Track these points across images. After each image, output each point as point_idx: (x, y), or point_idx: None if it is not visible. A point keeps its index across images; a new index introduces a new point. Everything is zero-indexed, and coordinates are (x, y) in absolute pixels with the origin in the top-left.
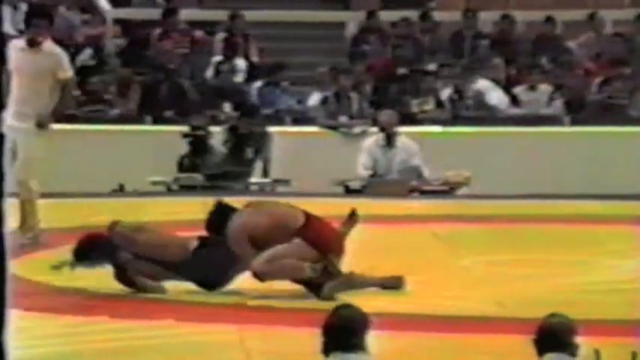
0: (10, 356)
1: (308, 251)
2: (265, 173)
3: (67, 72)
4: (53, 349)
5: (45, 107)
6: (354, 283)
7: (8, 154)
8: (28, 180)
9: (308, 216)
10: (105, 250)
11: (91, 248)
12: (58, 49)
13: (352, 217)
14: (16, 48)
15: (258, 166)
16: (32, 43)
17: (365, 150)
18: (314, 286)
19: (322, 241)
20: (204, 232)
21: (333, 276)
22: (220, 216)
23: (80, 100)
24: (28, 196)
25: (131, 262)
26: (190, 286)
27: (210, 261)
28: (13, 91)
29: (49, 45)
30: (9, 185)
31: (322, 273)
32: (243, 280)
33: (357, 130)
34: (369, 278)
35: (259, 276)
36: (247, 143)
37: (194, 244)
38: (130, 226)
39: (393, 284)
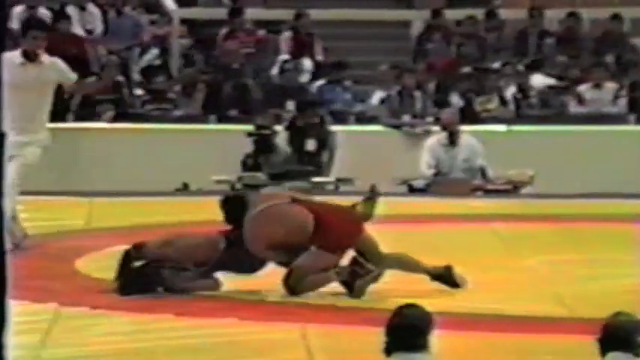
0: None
1: (327, 258)
2: (330, 165)
3: (72, 75)
4: (120, 347)
5: (46, 121)
6: (382, 274)
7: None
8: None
9: (316, 217)
10: (150, 279)
11: (135, 282)
12: (55, 59)
13: (372, 193)
14: (12, 63)
15: (325, 164)
16: (32, 57)
17: (427, 149)
18: (346, 285)
19: (336, 243)
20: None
21: (361, 271)
22: (236, 208)
23: (145, 100)
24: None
25: (172, 279)
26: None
27: (243, 254)
28: (13, 106)
29: (46, 57)
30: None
31: (350, 271)
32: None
33: (419, 129)
34: (408, 263)
35: (293, 293)
36: (307, 134)
37: (222, 241)
38: (155, 244)
39: (439, 273)
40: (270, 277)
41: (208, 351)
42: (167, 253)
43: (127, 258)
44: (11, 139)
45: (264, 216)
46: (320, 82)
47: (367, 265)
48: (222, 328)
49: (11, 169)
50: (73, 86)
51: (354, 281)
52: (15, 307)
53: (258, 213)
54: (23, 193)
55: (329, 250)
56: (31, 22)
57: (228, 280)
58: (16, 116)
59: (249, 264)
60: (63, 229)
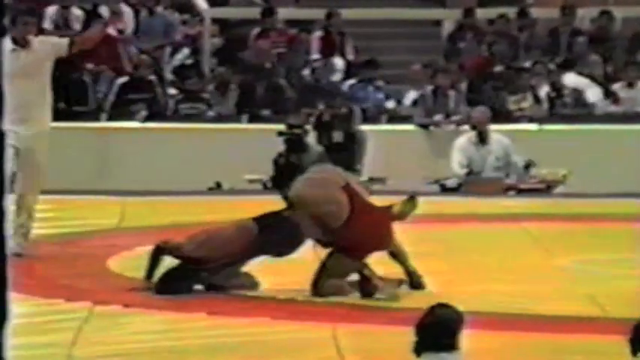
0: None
1: (347, 263)
2: (359, 159)
3: (63, 41)
4: (152, 345)
5: (48, 108)
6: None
7: (10, 158)
8: (39, 187)
9: (350, 213)
10: (187, 279)
11: (172, 282)
12: (41, 37)
13: (410, 202)
14: (2, 51)
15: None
16: (23, 43)
17: (458, 148)
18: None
19: (357, 249)
20: None
21: (368, 287)
22: (285, 173)
23: (177, 99)
24: (33, 202)
25: (214, 279)
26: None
27: (276, 234)
28: (11, 96)
29: (34, 40)
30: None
31: (359, 283)
32: None
33: (450, 127)
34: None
35: (317, 295)
36: (333, 127)
37: (254, 227)
38: (190, 246)
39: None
40: (301, 276)
41: (240, 350)
42: (204, 254)
43: (158, 252)
44: (14, 129)
45: (315, 182)
46: (351, 81)
47: (374, 280)
48: (253, 327)
49: (30, 182)
50: (73, 47)
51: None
52: (48, 306)
53: (311, 178)
54: (56, 192)
55: (350, 256)
56: (19, 9)
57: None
58: (15, 106)
59: (284, 245)
60: (96, 229)
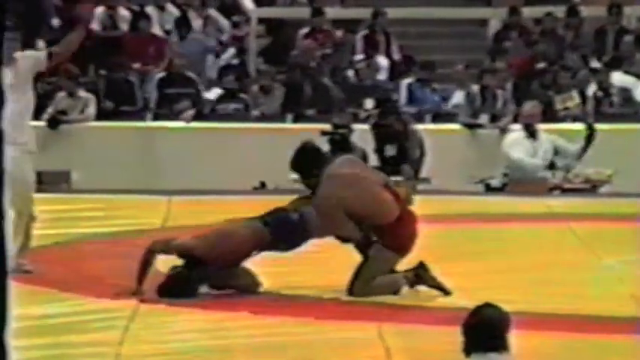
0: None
1: (390, 256)
2: (415, 172)
3: (41, 53)
4: (197, 344)
5: (30, 128)
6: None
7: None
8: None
9: (402, 212)
10: (194, 280)
11: (177, 288)
12: (21, 53)
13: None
14: None
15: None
16: (7, 61)
17: (512, 144)
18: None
19: (405, 243)
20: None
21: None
22: (308, 158)
23: (223, 99)
24: (29, 220)
25: (220, 275)
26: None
27: (288, 239)
28: None
29: (17, 56)
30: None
31: (415, 274)
32: None
33: (499, 125)
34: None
35: (361, 295)
36: (388, 141)
37: (265, 232)
38: (202, 247)
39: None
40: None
41: (285, 349)
42: (216, 255)
43: (150, 256)
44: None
45: (353, 177)
46: (409, 81)
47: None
48: (298, 327)
49: (19, 191)
50: (52, 59)
51: (420, 284)
52: (94, 304)
53: (347, 175)
54: (103, 191)
55: (394, 250)
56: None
57: (296, 278)
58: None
59: (293, 242)
60: (141, 228)
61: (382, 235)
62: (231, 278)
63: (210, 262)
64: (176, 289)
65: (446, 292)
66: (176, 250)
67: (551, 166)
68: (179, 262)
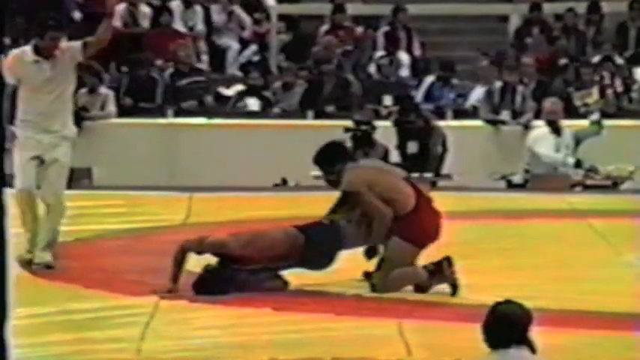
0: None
1: (411, 250)
2: (436, 169)
3: (77, 47)
4: (218, 340)
5: (70, 117)
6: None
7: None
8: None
9: (417, 202)
10: (223, 281)
11: (211, 284)
12: (62, 46)
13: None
14: (24, 62)
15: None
16: (47, 55)
17: (537, 140)
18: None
19: (423, 235)
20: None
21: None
22: (332, 152)
23: (244, 95)
24: (60, 209)
25: (249, 280)
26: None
27: (322, 247)
28: (35, 106)
29: (58, 50)
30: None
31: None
32: None
33: (521, 121)
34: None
35: (381, 292)
36: (410, 137)
37: (300, 237)
38: (237, 243)
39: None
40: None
41: (305, 345)
42: (249, 253)
43: (183, 254)
44: (37, 138)
45: (374, 169)
46: (431, 79)
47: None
48: (319, 323)
49: (52, 179)
50: (87, 49)
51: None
52: (116, 301)
53: (368, 166)
54: (124, 188)
55: (412, 242)
56: (48, 22)
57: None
58: (38, 115)
59: (325, 258)
60: (163, 224)
61: (399, 225)
62: (261, 282)
63: (242, 260)
64: (211, 287)
65: (454, 291)
66: (210, 247)
67: (578, 164)
68: (212, 260)
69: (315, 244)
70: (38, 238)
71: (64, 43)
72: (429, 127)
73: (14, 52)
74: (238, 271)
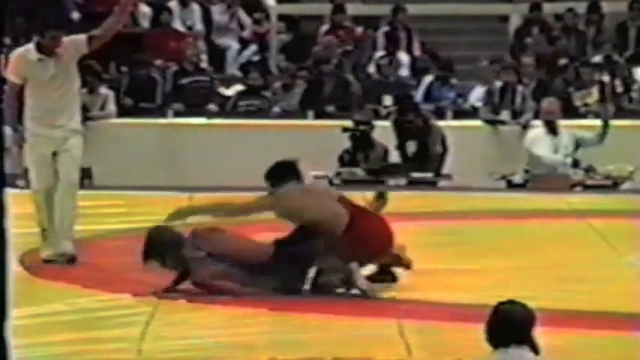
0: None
1: (338, 266)
2: (436, 169)
3: (82, 40)
4: (218, 340)
5: (77, 111)
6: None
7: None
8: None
9: (351, 219)
10: (170, 245)
11: (156, 244)
12: (64, 41)
13: (380, 198)
14: (28, 60)
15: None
16: (49, 53)
17: (534, 140)
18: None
19: (361, 253)
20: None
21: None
22: (282, 170)
23: (244, 95)
24: (73, 204)
25: (197, 260)
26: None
27: (291, 264)
28: (42, 102)
29: (60, 46)
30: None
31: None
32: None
33: (520, 121)
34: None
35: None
36: (409, 137)
37: (271, 250)
38: (218, 239)
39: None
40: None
41: (305, 346)
42: (210, 237)
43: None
44: (47, 134)
45: (306, 189)
46: (429, 79)
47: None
48: (317, 323)
49: (66, 169)
50: (92, 42)
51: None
52: (115, 301)
53: (302, 186)
54: (125, 187)
55: (350, 260)
56: (48, 21)
57: None
58: (46, 112)
59: (294, 278)
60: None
61: (336, 245)
62: (200, 269)
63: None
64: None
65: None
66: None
67: (575, 164)
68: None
69: (285, 257)
70: (57, 229)
71: (66, 38)
72: (428, 126)
73: (18, 52)
74: (187, 245)
